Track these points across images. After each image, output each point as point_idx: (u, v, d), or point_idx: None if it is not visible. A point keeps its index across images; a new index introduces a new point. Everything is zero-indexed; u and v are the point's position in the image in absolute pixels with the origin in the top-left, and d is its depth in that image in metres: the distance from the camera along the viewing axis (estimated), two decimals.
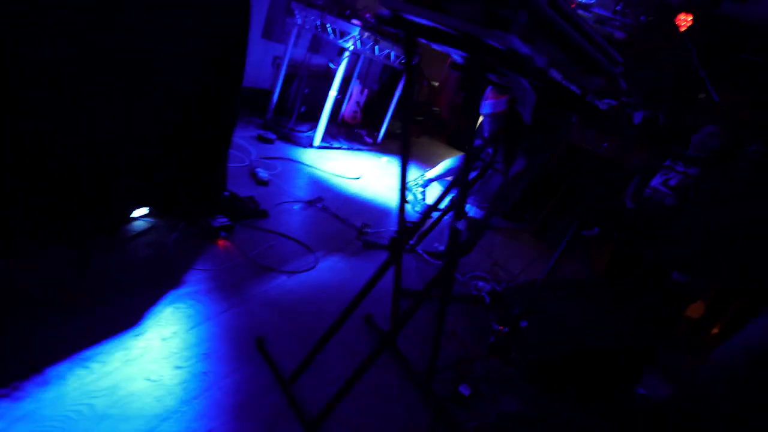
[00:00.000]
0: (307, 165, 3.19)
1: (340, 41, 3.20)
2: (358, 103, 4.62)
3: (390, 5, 0.81)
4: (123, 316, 1.26)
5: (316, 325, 1.60)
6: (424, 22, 0.77)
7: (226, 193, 2.11)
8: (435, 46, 0.80)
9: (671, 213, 3.40)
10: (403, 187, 1.15)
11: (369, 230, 2.52)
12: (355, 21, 3.08)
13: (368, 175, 3.58)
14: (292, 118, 3.64)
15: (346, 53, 3.21)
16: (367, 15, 3.22)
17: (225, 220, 1.87)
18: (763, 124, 3.25)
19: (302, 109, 3.98)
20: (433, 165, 4.30)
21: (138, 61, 1.36)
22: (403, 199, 1.17)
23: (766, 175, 2.87)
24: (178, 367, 1.19)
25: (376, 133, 4.64)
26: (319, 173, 3.14)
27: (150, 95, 1.48)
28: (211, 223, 1.80)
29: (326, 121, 3.51)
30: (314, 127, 3.66)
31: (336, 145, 3.87)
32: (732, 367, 2.17)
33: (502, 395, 1.69)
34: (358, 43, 3.17)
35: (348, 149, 4.01)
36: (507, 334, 1.93)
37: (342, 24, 3.11)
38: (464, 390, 1.56)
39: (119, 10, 1.26)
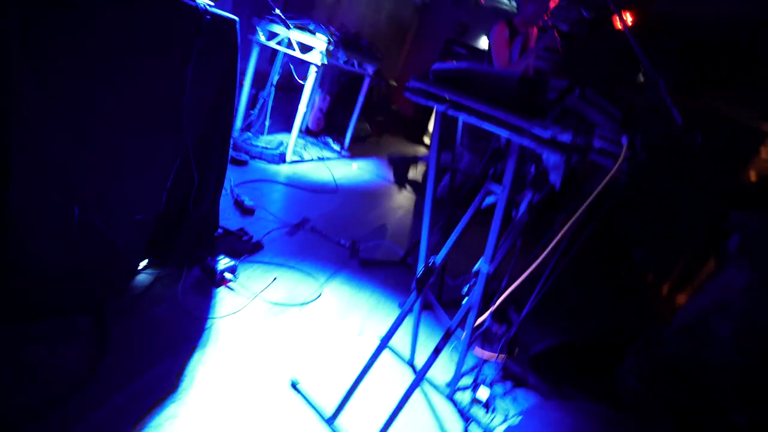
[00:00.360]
0: (285, 183, 3.18)
1: (306, 55, 3.18)
2: (321, 110, 4.60)
3: (426, 86, 0.88)
4: (159, 384, 1.26)
5: (340, 355, 1.67)
6: (462, 101, 0.85)
7: (220, 230, 2.09)
8: (464, 117, 0.87)
9: (625, 193, 3.75)
10: (428, 237, 1.23)
11: (360, 246, 2.58)
12: (320, 35, 3.07)
13: (341, 186, 3.61)
14: (261, 134, 3.58)
15: (313, 67, 3.20)
16: (331, 27, 3.21)
17: (227, 260, 1.86)
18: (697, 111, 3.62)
19: (270, 123, 3.92)
20: None
21: (145, 109, 1.35)
22: (427, 243, 1.24)
23: (704, 161, 3.22)
24: (225, 425, 1.22)
25: (342, 139, 4.65)
26: (298, 191, 3.14)
27: (152, 145, 1.46)
28: (214, 267, 1.79)
29: (296, 136, 3.49)
30: (284, 141, 3.63)
31: (307, 157, 3.86)
32: (690, 328, 2.46)
33: (516, 391, 1.84)
34: (324, 56, 3.16)
35: (319, 160, 4.01)
36: (506, 332, 2.09)
37: (306, 38, 3.08)
38: (482, 393, 1.70)
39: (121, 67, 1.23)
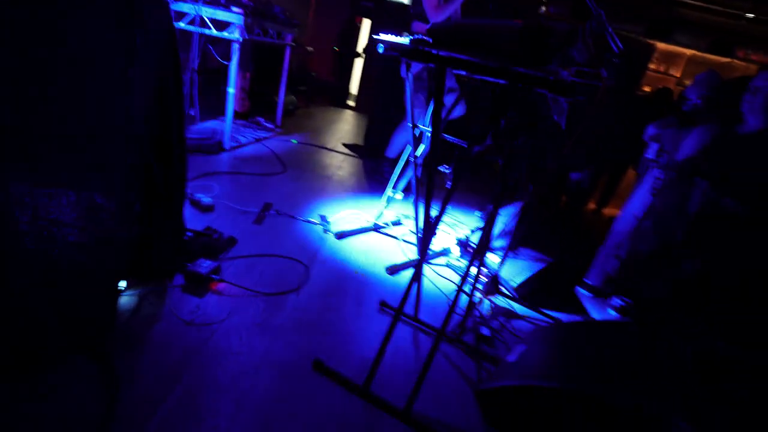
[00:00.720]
0: (233, 172, 3.01)
1: (224, 32, 2.93)
2: (243, 89, 4.32)
3: (424, 48, 0.88)
4: (186, 404, 1.22)
5: (349, 328, 1.70)
6: (470, 59, 0.87)
7: (189, 234, 1.97)
8: (469, 74, 0.90)
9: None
10: (428, 207, 1.27)
11: (330, 219, 2.58)
12: (235, 8, 2.84)
13: (288, 163, 3.50)
14: (191, 125, 3.32)
15: (236, 45, 2.97)
16: (244, 0, 2.97)
17: (208, 262, 1.78)
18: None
19: (192, 112, 3.63)
20: (339, 135, 4.35)
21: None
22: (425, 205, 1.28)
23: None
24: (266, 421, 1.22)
25: (272, 116, 4.45)
26: (248, 177, 3.00)
27: (111, 157, 1.32)
28: (199, 272, 1.71)
29: (231, 121, 3.29)
30: (217, 128, 3.41)
31: (244, 141, 3.65)
32: (625, 231, 2.82)
33: (511, 323, 2.02)
34: (243, 31, 2.94)
35: (256, 141, 3.82)
36: (490, 274, 2.25)
37: (221, 14, 2.84)
38: (485, 331, 1.85)
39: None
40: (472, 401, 1.48)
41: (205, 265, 1.75)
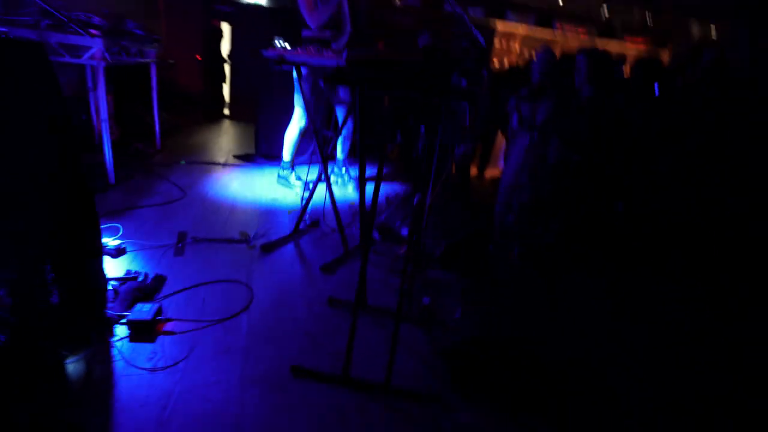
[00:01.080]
0: (130, 208, 2.77)
1: (84, 58, 2.65)
2: (110, 115, 3.89)
3: (344, 72, 1.03)
4: None
5: (308, 330, 1.81)
6: (389, 79, 1.04)
7: (114, 284, 1.84)
8: (389, 92, 1.06)
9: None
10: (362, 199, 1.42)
11: (251, 234, 2.58)
12: (92, 30, 2.57)
13: (186, 186, 3.33)
14: None
15: (99, 69, 2.70)
16: (96, 19, 2.70)
17: (147, 306, 1.71)
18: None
19: None
20: (227, 147, 4.28)
21: None
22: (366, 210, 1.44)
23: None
24: None
25: (150, 139, 4.10)
26: (148, 210, 2.80)
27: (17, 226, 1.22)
28: (141, 318, 1.63)
29: (110, 152, 3.00)
30: (96, 162, 3.08)
31: (129, 171, 3.35)
32: (507, 187, 3.35)
33: (447, 288, 2.30)
34: (104, 54, 2.70)
35: (142, 169, 3.52)
36: (413, 247, 2.50)
37: (74, 39, 2.55)
38: (426, 300, 2.09)
39: None
40: (435, 364, 1.72)
41: (146, 309, 1.68)
